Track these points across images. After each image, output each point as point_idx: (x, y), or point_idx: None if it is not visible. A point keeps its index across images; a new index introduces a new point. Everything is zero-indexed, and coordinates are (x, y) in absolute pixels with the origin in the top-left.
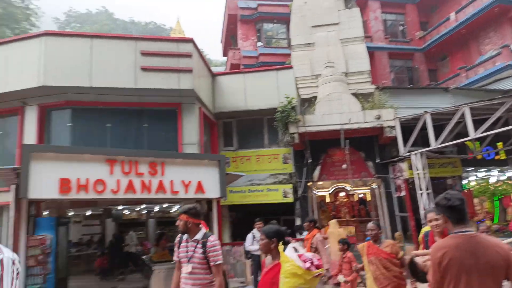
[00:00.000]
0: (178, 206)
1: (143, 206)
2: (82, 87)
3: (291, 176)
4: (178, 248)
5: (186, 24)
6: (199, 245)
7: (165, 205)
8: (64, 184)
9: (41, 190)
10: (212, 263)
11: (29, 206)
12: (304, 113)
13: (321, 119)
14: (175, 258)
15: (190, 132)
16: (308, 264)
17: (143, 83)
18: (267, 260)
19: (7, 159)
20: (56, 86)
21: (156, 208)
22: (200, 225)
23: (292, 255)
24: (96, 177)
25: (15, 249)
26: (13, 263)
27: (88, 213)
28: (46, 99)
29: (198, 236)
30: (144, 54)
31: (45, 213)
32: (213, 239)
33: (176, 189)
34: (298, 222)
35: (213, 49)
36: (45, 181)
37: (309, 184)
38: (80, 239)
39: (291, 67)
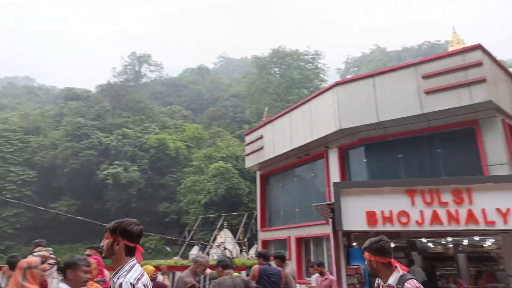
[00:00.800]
0: (494, 239)
1: (449, 239)
2: (371, 124)
3: None
4: None
5: (463, 31)
6: None
7: (476, 238)
8: (371, 217)
9: (352, 223)
10: None
11: (341, 237)
12: None
13: None
14: None
15: (495, 151)
16: None
17: (429, 107)
18: None
19: (319, 197)
20: (350, 127)
21: (465, 241)
22: (394, 266)
23: None
24: (399, 208)
25: (338, 276)
26: (133, 287)
27: (392, 245)
28: (342, 141)
29: (391, 280)
30: (425, 77)
31: (354, 244)
32: (410, 285)
33: (491, 219)
34: None
35: (503, 48)
36: (354, 214)
37: None
38: None
39: None
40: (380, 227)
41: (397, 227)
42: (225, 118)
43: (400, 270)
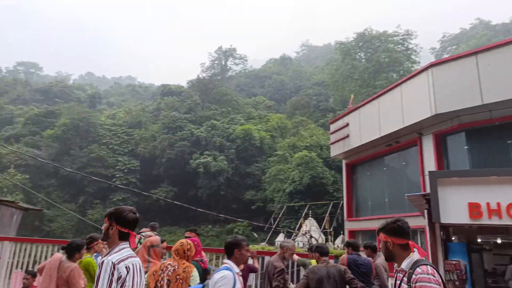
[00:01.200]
0: None
1: None
2: (474, 107)
3: None
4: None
5: None
6: (405, 278)
7: None
8: (474, 209)
9: (451, 215)
10: None
11: (439, 231)
12: None
13: None
14: None
15: None
16: None
17: None
18: None
19: (411, 187)
20: (448, 112)
21: None
22: (411, 249)
23: None
24: (508, 200)
25: None
26: (113, 267)
27: (498, 241)
28: (439, 126)
29: (405, 264)
30: None
31: (453, 238)
32: (422, 270)
33: None
34: None
35: None
36: (453, 206)
37: None
38: (493, 269)
39: None
40: (485, 220)
41: (506, 221)
42: (308, 107)
43: (416, 255)
